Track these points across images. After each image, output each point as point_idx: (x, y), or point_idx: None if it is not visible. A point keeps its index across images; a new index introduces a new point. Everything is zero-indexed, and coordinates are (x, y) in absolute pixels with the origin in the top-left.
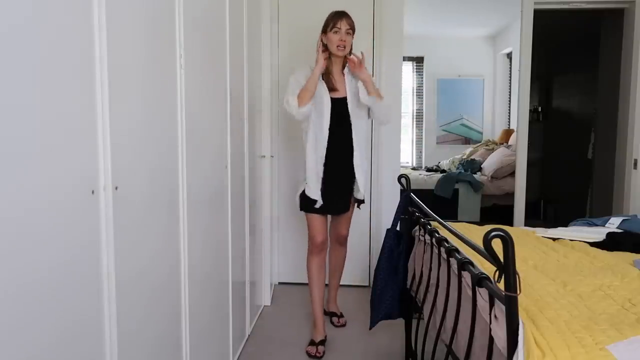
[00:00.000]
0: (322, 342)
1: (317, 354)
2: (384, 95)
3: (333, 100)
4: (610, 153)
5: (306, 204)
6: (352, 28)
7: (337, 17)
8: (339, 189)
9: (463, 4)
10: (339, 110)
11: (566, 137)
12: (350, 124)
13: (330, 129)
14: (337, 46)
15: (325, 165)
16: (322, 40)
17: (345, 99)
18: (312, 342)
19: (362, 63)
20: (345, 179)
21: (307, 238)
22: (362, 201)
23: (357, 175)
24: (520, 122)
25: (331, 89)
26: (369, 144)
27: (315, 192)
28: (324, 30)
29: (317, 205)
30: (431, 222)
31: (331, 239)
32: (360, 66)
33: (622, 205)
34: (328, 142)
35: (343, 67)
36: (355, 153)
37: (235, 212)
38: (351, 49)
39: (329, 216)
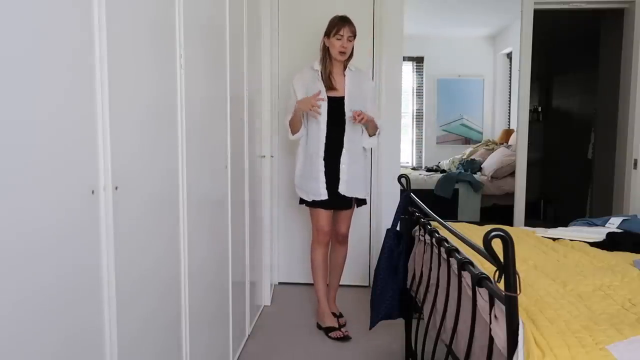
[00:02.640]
0: (342, 326)
1: (345, 332)
2: (381, 119)
3: (330, 99)
4: (610, 153)
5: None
6: (353, 35)
7: (341, 23)
8: (335, 187)
9: (463, 4)
10: (336, 110)
11: (566, 137)
12: (344, 123)
13: (327, 128)
14: (339, 52)
15: (325, 162)
16: (324, 43)
17: (342, 98)
18: (331, 329)
19: (360, 118)
20: (337, 176)
21: (312, 230)
22: (364, 202)
23: (340, 175)
24: (520, 122)
25: (330, 87)
26: None
27: (316, 193)
28: (327, 34)
29: (322, 198)
30: (431, 222)
31: (331, 238)
32: (360, 120)
33: (622, 205)
34: (326, 139)
35: (344, 68)
36: (343, 151)
37: (235, 212)
38: (352, 53)
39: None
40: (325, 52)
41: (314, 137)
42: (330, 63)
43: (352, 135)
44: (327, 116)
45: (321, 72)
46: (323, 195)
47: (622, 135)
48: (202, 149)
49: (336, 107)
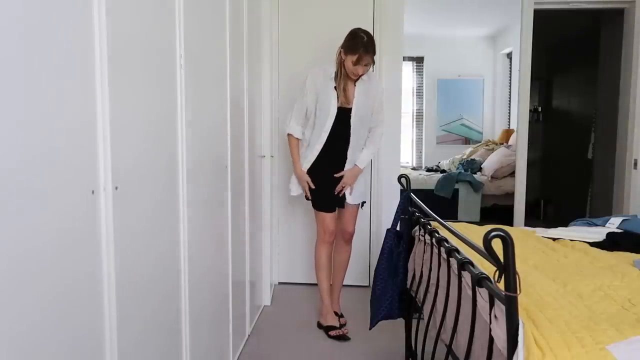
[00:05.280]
0: (342, 325)
1: (345, 331)
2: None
3: (339, 109)
4: (610, 153)
5: (318, 204)
6: (372, 61)
7: (363, 52)
8: (332, 191)
9: (463, 4)
10: (343, 119)
11: (566, 137)
12: (349, 134)
13: (329, 136)
14: (353, 74)
15: (320, 167)
16: (340, 55)
17: (350, 109)
18: (331, 327)
19: (346, 184)
20: (336, 183)
21: (317, 229)
22: (364, 202)
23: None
24: (520, 122)
25: (343, 100)
26: None
27: (293, 189)
28: (345, 50)
29: (295, 193)
30: (431, 222)
31: (337, 237)
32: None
33: (622, 205)
34: (323, 147)
35: (356, 79)
36: (347, 161)
37: (235, 212)
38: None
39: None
40: (341, 64)
41: (313, 143)
42: (346, 75)
43: (358, 145)
44: (331, 127)
45: (335, 87)
46: (294, 191)
47: (622, 135)
48: (202, 149)
49: (344, 117)
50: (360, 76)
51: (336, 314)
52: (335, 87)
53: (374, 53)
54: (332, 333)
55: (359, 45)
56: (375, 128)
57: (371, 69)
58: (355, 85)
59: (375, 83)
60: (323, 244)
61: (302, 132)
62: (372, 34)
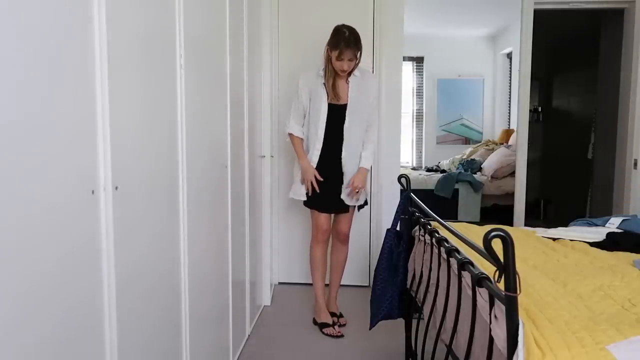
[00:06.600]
0: (335, 323)
1: (339, 333)
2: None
3: (331, 106)
4: (610, 153)
5: (311, 201)
6: (356, 56)
7: (344, 46)
8: (334, 191)
9: (463, 4)
10: (337, 117)
11: (566, 137)
12: (343, 131)
13: (325, 135)
14: (340, 70)
15: (319, 167)
16: (327, 52)
17: (344, 106)
18: (325, 325)
19: (358, 187)
20: (338, 183)
21: (312, 228)
22: (365, 203)
23: (344, 182)
24: (520, 122)
25: (333, 97)
26: None
27: (296, 192)
28: (330, 47)
29: (302, 197)
30: (431, 222)
31: (333, 237)
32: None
33: (622, 205)
34: (322, 146)
35: (348, 76)
36: (343, 160)
37: (235, 212)
38: (358, 62)
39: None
40: (328, 61)
41: (312, 144)
42: (334, 71)
43: (354, 143)
44: (325, 126)
45: (324, 84)
46: (302, 195)
47: (622, 135)
48: (202, 149)
49: (338, 114)
50: (350, 72)
51: (334, 313)
52: (324, 84)
53: (357, 48)
54: (326, 331)
55: (341, 40)
56: (370, 127)
57: (370, 68)
58: (348, 82)
59: (370, 82)
60: (317, 243)
61: (303, 131)
62: (372, 33)
